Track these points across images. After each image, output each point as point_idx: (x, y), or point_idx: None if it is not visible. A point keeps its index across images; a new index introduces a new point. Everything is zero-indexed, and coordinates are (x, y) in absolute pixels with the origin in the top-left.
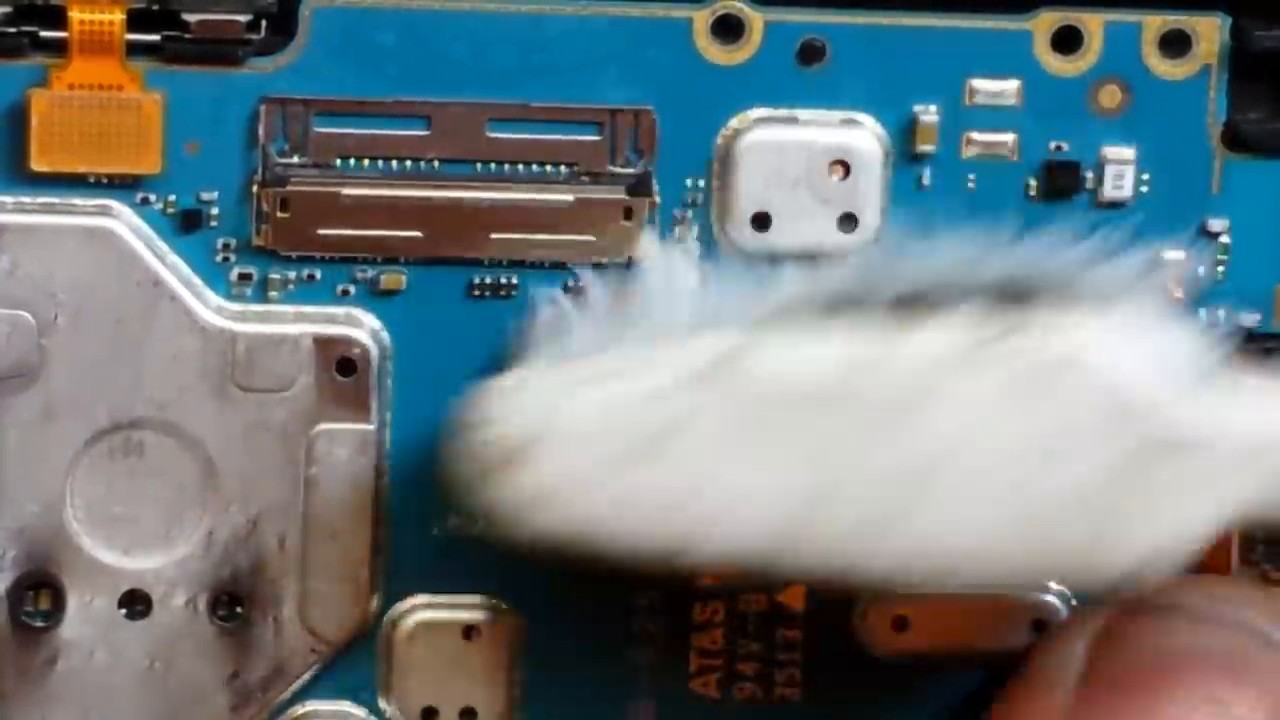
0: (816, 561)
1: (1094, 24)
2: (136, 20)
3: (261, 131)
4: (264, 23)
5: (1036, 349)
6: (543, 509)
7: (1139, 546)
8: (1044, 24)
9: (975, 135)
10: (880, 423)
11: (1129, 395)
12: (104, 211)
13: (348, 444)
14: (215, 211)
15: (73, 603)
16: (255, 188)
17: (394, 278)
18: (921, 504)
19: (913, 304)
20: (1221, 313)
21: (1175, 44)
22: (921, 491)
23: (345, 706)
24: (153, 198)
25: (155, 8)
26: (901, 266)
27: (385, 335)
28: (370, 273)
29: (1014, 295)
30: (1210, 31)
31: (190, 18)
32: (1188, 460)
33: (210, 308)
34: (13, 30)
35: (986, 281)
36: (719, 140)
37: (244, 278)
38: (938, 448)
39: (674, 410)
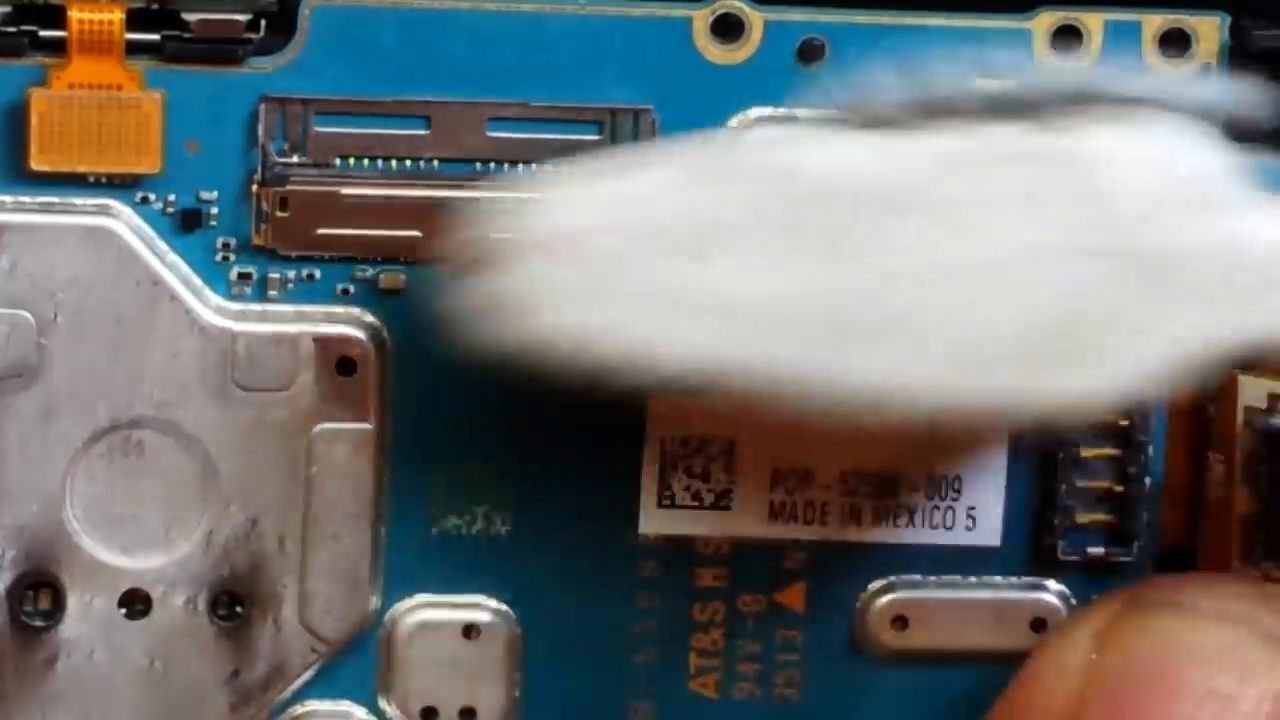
0: (843, 373)
1: (1094, 23)
2: (136, 19)
3: (261, 131)
4: (264, 22)
5: (1050, 146)
6: (542, 311)
7: (1126, 361)
8: (1044, 23)
9: None
10: (890, 225)
11: (1133, 201)
12: (104, 211)
13: (347, 444)
14: (215, 211)
15: (73, 602)
16: (255, 187)
17: (394, 277)
18: (926, 308)
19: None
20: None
21: (1175, 43)
22: (928, 296)
23: (345, 706)
24: (152, 197)
25: (155, 7)
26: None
27: (385, 335)
28: (370, 272)
29: (1053, 104)
30: (1210, 31)
31: (190, 17)
32: (1183, 274)
33: (210, 307)
34: (12, 30)
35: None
36: None
37: (244, 277)
38: (945, 250)
39: (701, 208)
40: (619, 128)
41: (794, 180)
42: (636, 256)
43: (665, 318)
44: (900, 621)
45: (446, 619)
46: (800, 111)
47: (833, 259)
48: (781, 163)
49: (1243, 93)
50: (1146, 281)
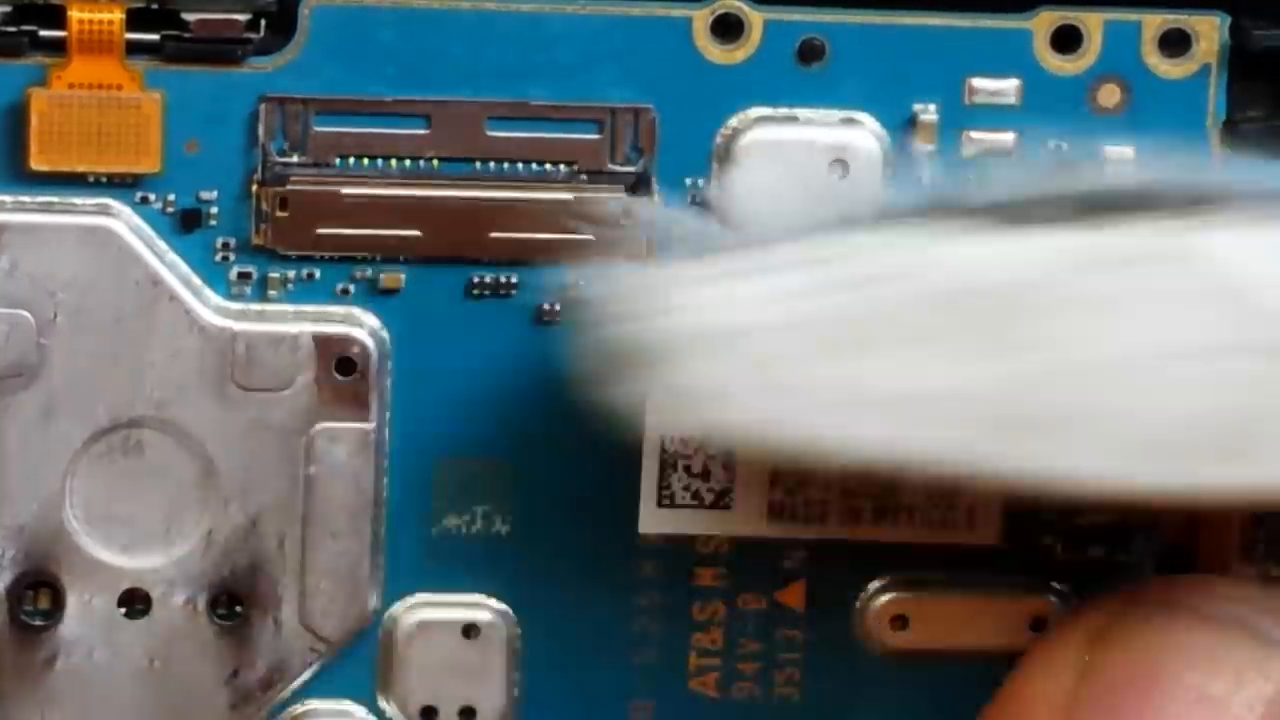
0: (1010, 463)
1: (1093, 23)
2: (136, 19)
3: (261, 130)
4: (263, 22)
5: (1183, 244)
6: (713, 406)
7: None
8: (1044, 23)
9: (975, 134)
10: (1035, 323)
11: (1271, 297)
12: (103, 210)
13: (347, 443)
14: (215, 211)
15: (72, 602)
16: (255, 187)
17: (393, 277)
18: (1103, 403)
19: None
20: None
21: (1175, 43)
22: (1086, 391)
23: (345, 705)
24: (152, 197)
25: (155, 7)
26: (1073, 176)
27: (385, 334)
28: (370, 272)
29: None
30: (1209, 31)
31: (190, 17)
32: None
33: (210, 307)
34: (12, 29)
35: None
36: (719, 139)
37: (243, 277)
38: (1094, 347)
39: (854, 306)
40: (619, 127)
41: (932, 281)
42: (796, 354)
43: (831, 411)
44: (900, 621)
45: (446, 619)
46: (800, 113)
47: (990, 356)
48: (916, 264)
49: None
50: None
